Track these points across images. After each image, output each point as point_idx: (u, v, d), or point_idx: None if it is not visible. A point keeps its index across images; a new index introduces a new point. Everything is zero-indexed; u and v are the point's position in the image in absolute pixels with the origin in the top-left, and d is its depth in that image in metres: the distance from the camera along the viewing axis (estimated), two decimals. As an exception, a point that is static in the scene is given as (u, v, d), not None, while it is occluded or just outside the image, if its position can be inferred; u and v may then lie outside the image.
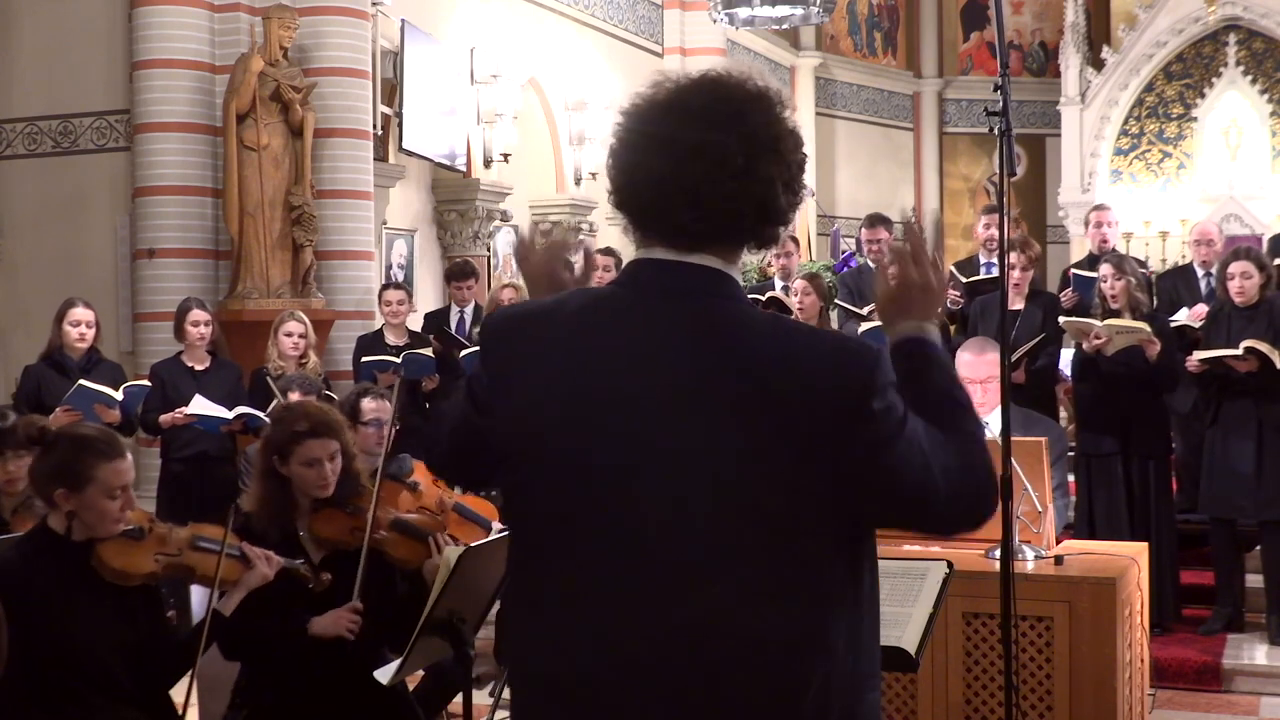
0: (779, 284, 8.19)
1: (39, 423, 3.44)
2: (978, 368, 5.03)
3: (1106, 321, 6.17)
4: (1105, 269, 6.43)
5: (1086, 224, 8.26)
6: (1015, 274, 6.65)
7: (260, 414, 6.31)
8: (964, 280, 7.57)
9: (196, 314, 6.78)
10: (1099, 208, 8.40)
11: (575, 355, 1.82)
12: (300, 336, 6.85)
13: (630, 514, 1.77)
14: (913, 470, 1.78)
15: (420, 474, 4.17)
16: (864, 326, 6.79)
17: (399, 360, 7.06)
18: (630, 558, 1.77)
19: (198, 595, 4.00)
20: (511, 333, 1.92)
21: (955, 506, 1.84)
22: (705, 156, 1.76)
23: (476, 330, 7.58)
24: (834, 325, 7.97)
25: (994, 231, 7.74)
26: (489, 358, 1.94)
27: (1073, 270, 7.83)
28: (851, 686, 1.82)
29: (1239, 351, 5.90)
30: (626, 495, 1.77)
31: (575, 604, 1.82)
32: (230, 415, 6.34)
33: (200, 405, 6.39)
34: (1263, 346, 5.88)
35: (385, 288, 7.96)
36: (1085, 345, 6.21)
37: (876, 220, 8.67)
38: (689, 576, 1.75)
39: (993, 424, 4.93)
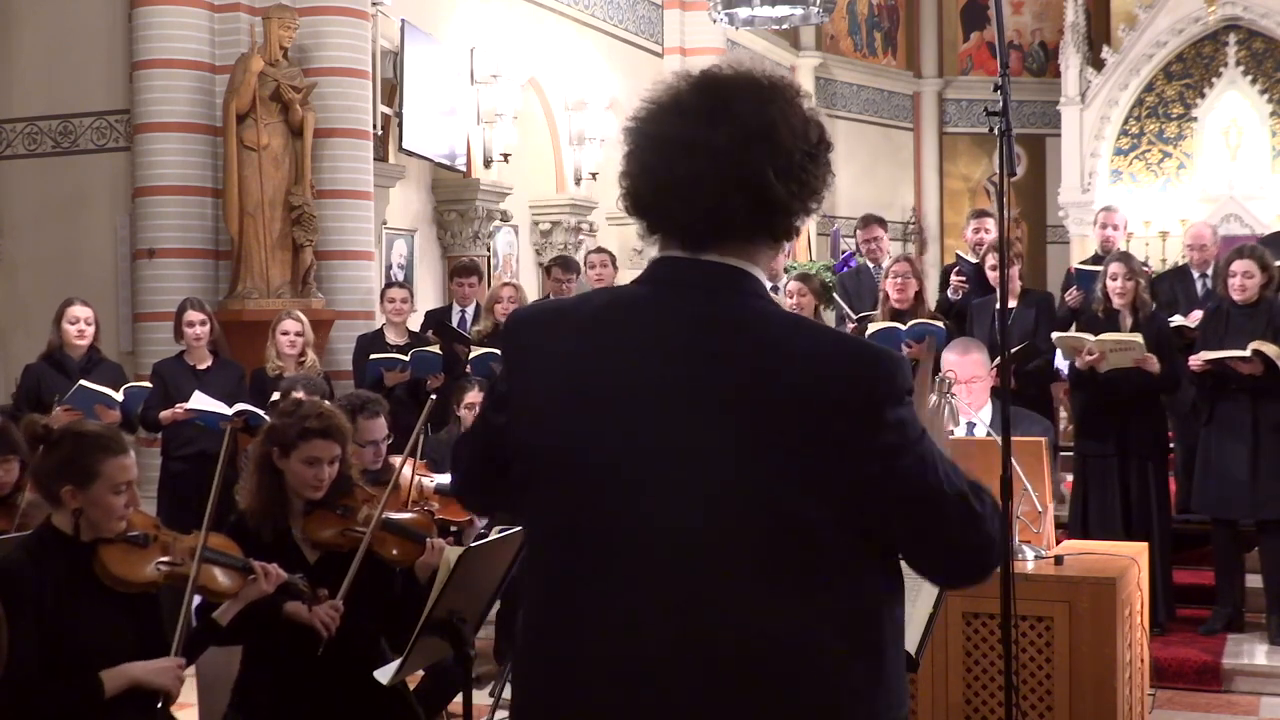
0: (768, 285, 8.18)
1: (41, 421, 3.43)
2: (963, 367, 5.05)
3: (1099, 337, 6.14)
4: (1115, 268, 6.41)
5: (1095, 224, 8.27)
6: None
7: (260, 412, 6.31)
8: (971, 262, 7.58)
9: (191, 314, 6.78)
10: (1107, 209, 8.40)
11: (586, 351, 1.83)
12: (298, 335, 6.86)
13: (628, 511, 1.76)
14: (926, 486, 1.74)
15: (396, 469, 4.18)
16: (872, 328, 6.77)
17: (407, 359, 7.08)
18: (630, 556, 1.76)
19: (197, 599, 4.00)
20: (531, 327, 1.92)
21: (966, 539, 1.79)
22: (696, 153, 1.75)
23: (476, 328, 7.60)
24: (831, 325, 7.98)
25: (983, 235, 7.76)
26: (508, 349, 1.95)
27: (1076, 266, 7.83)
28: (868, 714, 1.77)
29: (1246, 353, 5.89)
30: (624, 490, 1.76)
31: (579, 601, 1.80)
32: (230, 411, 6.34)
33: (200, 401, 6.40)
34: (1269, 349, 5.87)
35: (388, 286, 7.97)
36: (1079, 362, 6.19)
37: (870, 220, 8.67)
38: (689, 575, 1.73)
39: (982, 422, 4.96)
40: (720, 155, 1.74)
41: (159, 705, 3.18)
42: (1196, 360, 6.09)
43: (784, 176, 1.75)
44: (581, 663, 1.80)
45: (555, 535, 1.85)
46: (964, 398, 5.01)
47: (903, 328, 6.63)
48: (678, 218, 1.79)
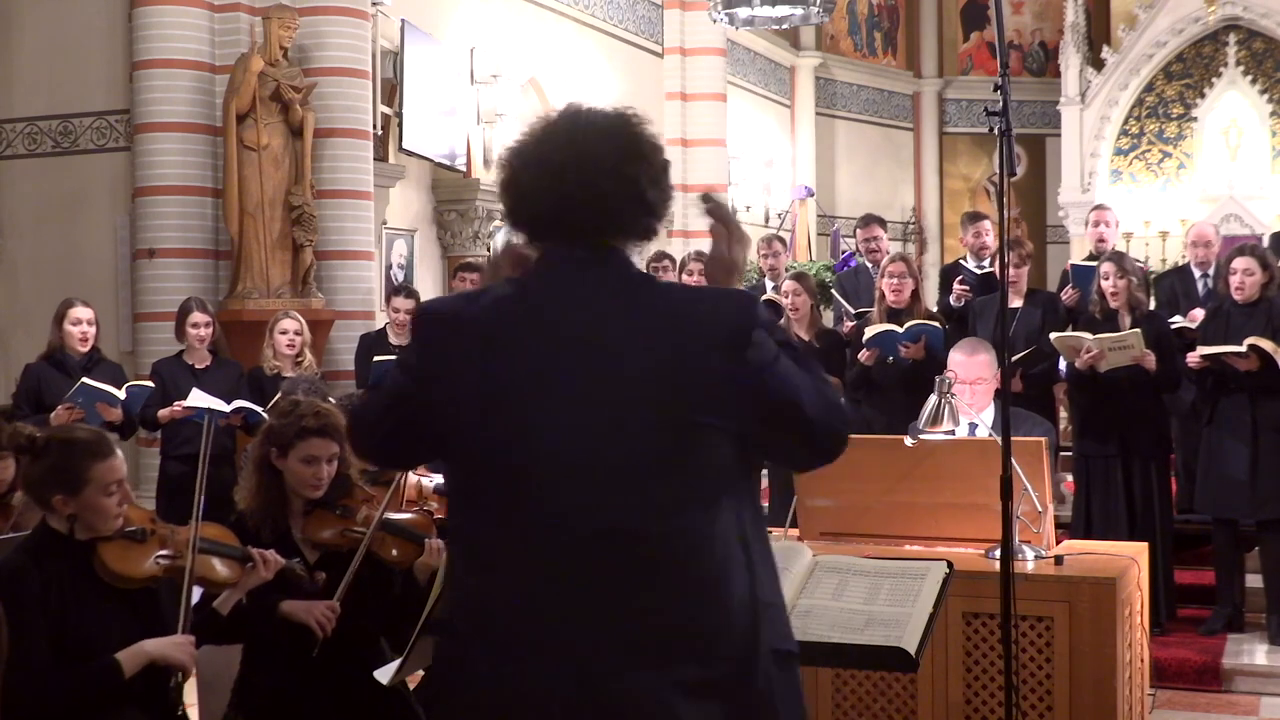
0: (769, 285, 8.19)
1: (25, 431, 3.43)
2: (968, 369, 5.04)
3: (1098, 336, 6.14)
4: (1107, 267, 6.42)
5: (1086, 223, 8.25)
6: (1009, 272, 6.62)
7: (258, 409, 6.32)
8: (975, 272, 7.55)
9: (196, 316, 6.79)
10: (1099, 207, 8.39)
11: (491, 337, 2.08)
12: (295, 334, 6.85)
13: (547, 451, 2.03)
14: (795, 391, 2.09)
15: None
16: (870, 331, 6.76)
17: None
18: (555, 480, 2.04)
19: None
20: (440, 321, 2.16)
21: (826, 431, 2.15)
22: (589, 172, 2.09)
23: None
24: (829, 325, 7.96)
25: (984, 239, 7.72)
26: (420, 343, 2.17)
27: (1071, 263, 7.81)
28: (752, 605, 2.06)
29: (1242, 349, 5.89)
30: (541, 434, 2.03)
31: (505, 546, 2.07)
32: (228, 408, 6.35)
33: (197, 398, 6.40)
34: (1265, 344, 5.86)
35: (394, 293, 7.89)
36: (1078, 362, 6.19)
37: (870, 220, 8.67)
38: (610, 488, 2.02)
39: (984, 423, 4.95)
40: (612, 172, 2.08)
41: (171, 684, 3.19)
42: (1193, 357, 6.09)
43: (654, 187, 2.11)
44: (511, 567, 2.06)
45: (473, 503, 2.11)
46: (967, 398, 5.02)
47: (899, 329, 6.63)
48: (575, 226, 2.10)
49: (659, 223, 2.16)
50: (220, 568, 3.38)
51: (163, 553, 3.28)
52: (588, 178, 2.08)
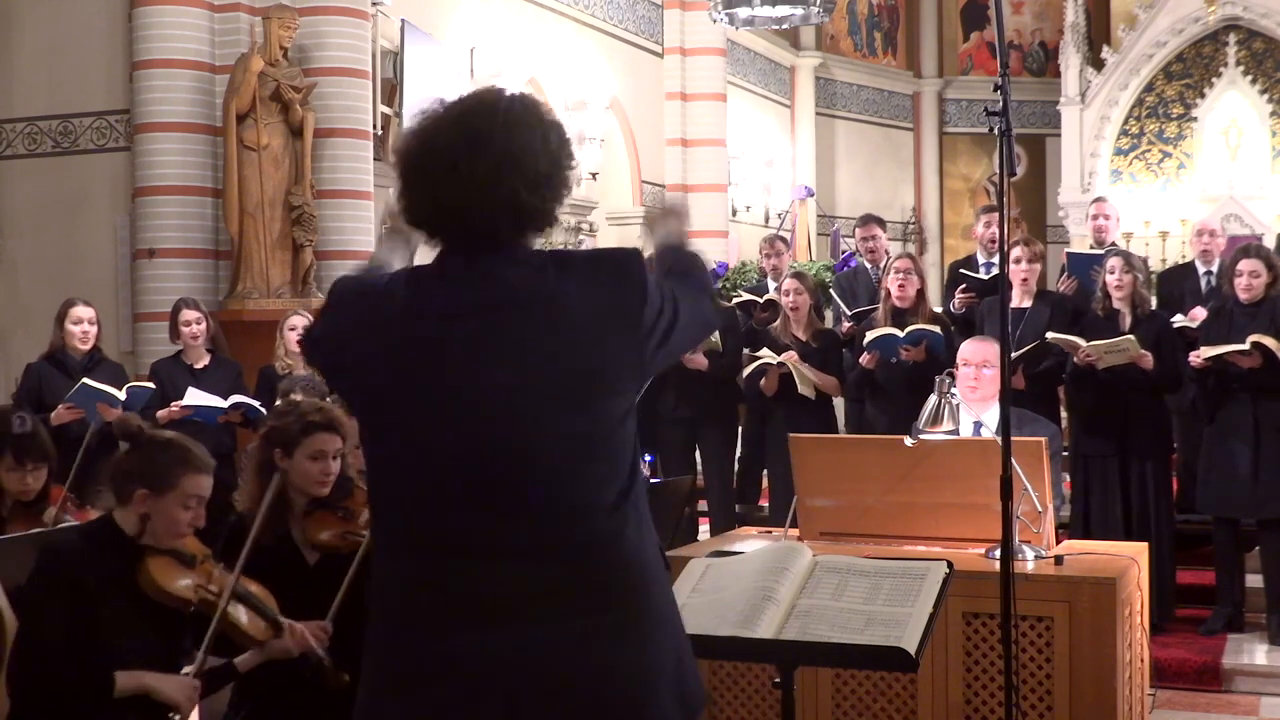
0: (771, 284, 8.18)
1: (134, 422, 3.42)
2: (977, 353, 5.11)
3: (1092, 344, 6.13)
4: (1114, 262, 6.41)
5: (1086, 216, 8.25)
6: (1022, 266, 6.62)
7: (257, 404, 6.31)
8: (981, 279, 7.52)
9: (187, 313, 6.78)
10: (1098, 200, 8.40)
11: (396, 320, 2.12)
12: (306, 331, 6.85)
13: (463, 433, 2.07)
14: (686, 339, 2.29)
15: None
16: (870, 335, 6.75)
17: None
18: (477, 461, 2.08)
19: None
20: (349, 300, 2.21)
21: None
22: (459, 183, 2.11)
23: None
24: (828, 324, 7.96)
25: (995, 230, 7.68)
26: (329, 320, 2.24)
27: (1068, 251, 7.78)
28: (639, 545, 2.13)
29: (1245, 346, 5.89)
30: (458, 420, 2.07)
31: (424, 534, 2.11)
32: (225, 405, 6.34)
33: (195, 397, 6.40)
34: (1269, 342, 5.86)
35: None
36: (1076, 359, 6.20)
37: (869, 220, 8.66)
38: (526, 468, 2.07)
39: (989, 422, 4.95)
40: (478, 183, 2.08)
41: (170, 717, 3.19)
42: (1196, 357, 6.09)
43: (532, 189, 2.10)
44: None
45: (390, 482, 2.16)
46: (971, 379, 5.03)
47: (900, 333, 6.63)
48: (452, 232, 2.13)
49: (555, 212, 2.18)
50: (247, 620, 3.35)
51: (202, 584, 3.27)
52: (462, 193, 2.09)
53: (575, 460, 2.08)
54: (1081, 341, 6.16)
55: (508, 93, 2.15)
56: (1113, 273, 6.35)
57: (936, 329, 6.68)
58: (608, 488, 2.11)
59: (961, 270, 7.80)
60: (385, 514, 2.19)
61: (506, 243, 2.12)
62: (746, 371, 7.05)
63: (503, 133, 2.09)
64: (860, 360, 6.75)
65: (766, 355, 6.92)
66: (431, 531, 2.10)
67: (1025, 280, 6.67)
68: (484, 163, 2.07)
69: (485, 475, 2.07)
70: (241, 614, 3.35)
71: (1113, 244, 7.87)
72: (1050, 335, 6.37)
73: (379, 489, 2.20)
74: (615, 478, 2.12)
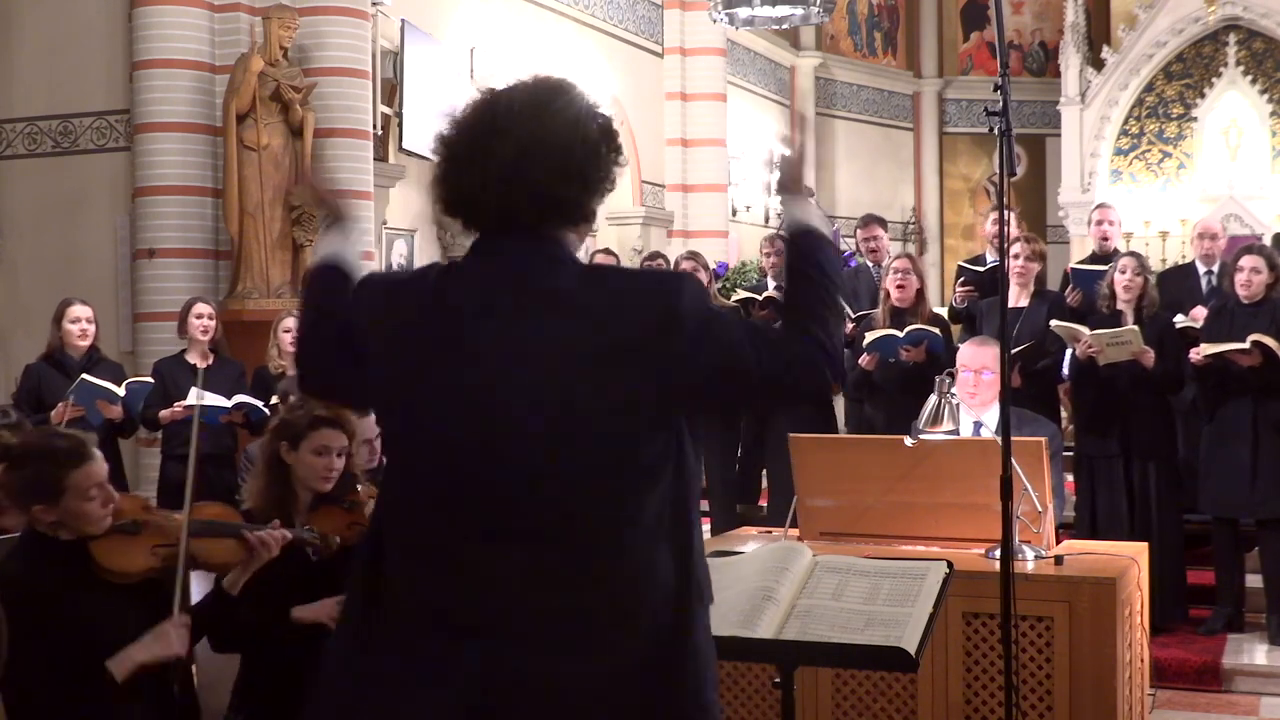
0: (770, 284, 8.17)
1: (3, 439, 3.37)
2: (976, 357, 5.08)
3: (1095, 332, 6.14)
4: (1127, 262, 6.41)
5: (1089, 223, 8.24)
6: (1019, 263, 6.64)
7: (260, 404, 6.31)
8: (978, 271, 7.52)
9: (200, 307, 6.80)
10: (1101, 206, 8.38)
11: (423, 317, 2.08)
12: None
13: (483, 439, 2.02)
14: (736, 356, 2.04)
15: None
16: (870, 336, 6.74)
17: None
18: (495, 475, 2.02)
19: (199, 578, 3.97)
20: (379, 294, 2.20)
21: (778, 380, 2.08)
22: (479, 167, 2.08)
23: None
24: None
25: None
26: (360, 312, 2.20)
27: (1072, 266, 7.79)
28: (678, 598, 2.05)
29: (1245, 345, 5.89)
30: (466, 427, 2.02)
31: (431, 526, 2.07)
32: (229, 404, 6.34)
33: (197, 395, 6.39)
34: (1270, 341, 5.86)
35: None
36: (1078, 351, 6.20)
37: (870, 220, 8.66)
38: (537, 482, 2.01)
39: (989, 423, 4.95)
40: (500, 169, 2.03)
41: (175, 688, 3.16)
42: (1197, 355, 6.09)
43: (561, 177, 2.04)
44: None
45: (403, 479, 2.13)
46: (971, 385, 5.02)
47: (899, 334, 6.62)
48: (476, 218, 2.10)
49: (591, 205, 2.12)
50: (218, 549, 3.33)
51: (157, 543, 3.24)
52: (482, 177, 2.05)
53: (581, 470, 2.00)
54: (1085, 330, 6.17)
55: (551, 81, 2.10)
56: (1124, 272, 6.34)
57: (936, 331, 6.69)
58: (626, 503, 2.02)
59: (960, 264, 7.83)
60: (395, 511, 2.15)
61: (530, 232, 2.06)
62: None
63: (531, 120, 2.04)
64: (860, 362, 6.75)
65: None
66: (436, 533, 2.08)
67: (1021, 274, 6.67)
68: (507, 148, 2.03)
69: (486, 474, 2.03)
70: (212, 546, 3.32)
71: (1115, 250, 7.87)
72: (1054, 324, 6.37)
73: (391, 488, 2.17)
74: (633, 493, 2.02)
